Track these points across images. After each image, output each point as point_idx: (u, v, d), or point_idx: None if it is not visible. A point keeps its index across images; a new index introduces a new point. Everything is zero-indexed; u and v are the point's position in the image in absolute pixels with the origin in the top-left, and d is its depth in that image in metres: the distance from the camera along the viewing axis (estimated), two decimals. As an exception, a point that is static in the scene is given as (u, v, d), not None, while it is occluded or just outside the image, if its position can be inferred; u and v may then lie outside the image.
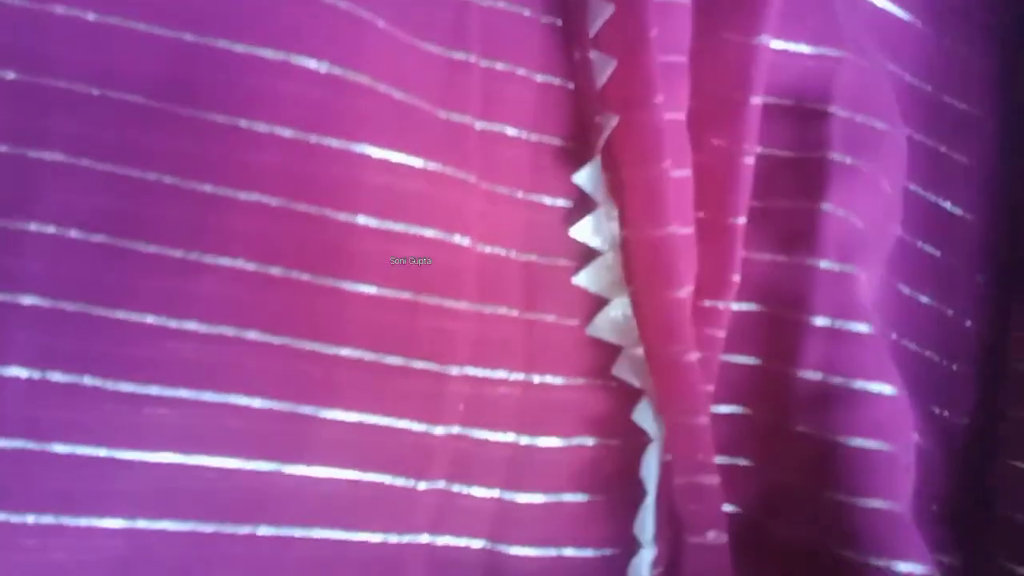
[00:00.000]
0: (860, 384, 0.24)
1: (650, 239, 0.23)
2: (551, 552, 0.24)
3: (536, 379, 0.24)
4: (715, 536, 0.23)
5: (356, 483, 0.22)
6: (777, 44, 0.25)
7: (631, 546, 0.24)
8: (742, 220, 0.24)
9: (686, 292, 0.23)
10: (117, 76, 0.20)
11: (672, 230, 0.23)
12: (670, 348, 0.23)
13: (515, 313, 0.24)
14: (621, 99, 0.23)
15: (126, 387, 0.20)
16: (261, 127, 0.21)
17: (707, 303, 0.24)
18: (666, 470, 0.24)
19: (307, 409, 0.21)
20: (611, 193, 0.24)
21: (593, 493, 0.24)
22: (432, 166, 0.22)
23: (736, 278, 0.24)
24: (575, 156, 0.24)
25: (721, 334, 0.24)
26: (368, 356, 0.21)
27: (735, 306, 0.25)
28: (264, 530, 0.21)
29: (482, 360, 0.23)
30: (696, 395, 0.23)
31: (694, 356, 0.23)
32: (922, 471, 0.26)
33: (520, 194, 0.24)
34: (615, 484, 0.24)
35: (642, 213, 0.23)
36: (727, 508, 0.25)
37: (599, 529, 0.24)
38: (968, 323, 0.29)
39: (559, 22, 0.24)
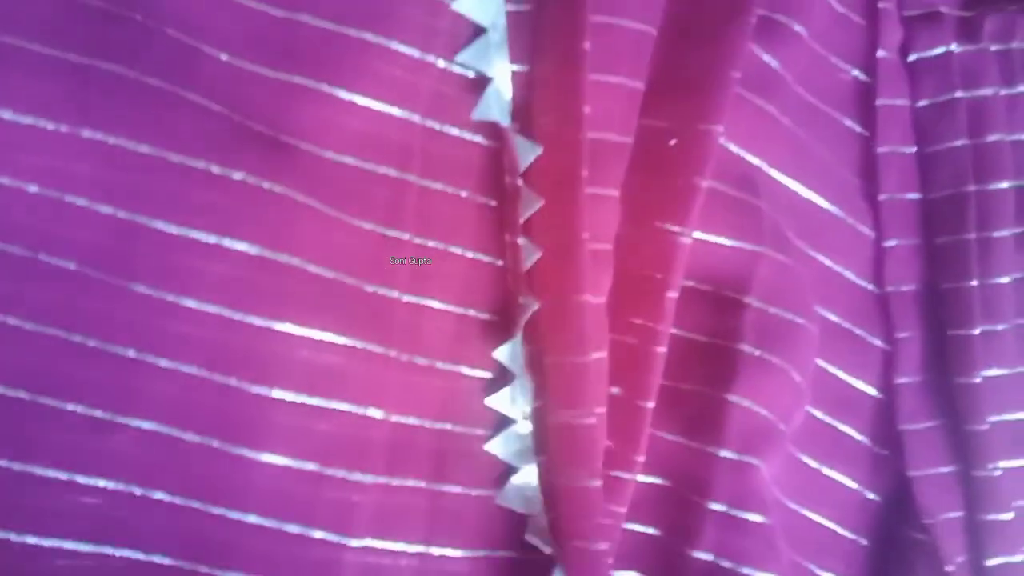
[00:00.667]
0: (747, 571, 0.25)
1: (568, 425, 0.24)
2: None
3: (435, 551, 0.24)
4: None
5: None
6: (699, 235, 0.26)
7: None
8: (651, 404, 0.25)
9: (598, 480, 0.24)
10: (51, 242, 0.21)
11: (588, 415, 0.24)
12: (576, 540, 0.24)
13: (422, 484, 0.24)
14: (546, 286, 0.24)
15: (30, 539, 0.21)
16: (189, 302, 0.21)
17: (613, 473, 0.25)
18: None
19: (205, 569, 0.22)
20: (529, 368, 0.25)
21: None
22: (353, 341, 0.23)
23: (641, 458, 0.25)
24: (499, 329, 0.25)
25: (622, 509, 0.25)
26: (269, 523, 0.22)
27: (641, 478, 0.26)
28: None
29: (382, 532, 0.24)
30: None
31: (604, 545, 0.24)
32: None
33: (440, 364, 0.24)
34: None
35: (563, 398, 0.24)
36: None
37: None
38: (870, 496, 0.30)
39: (493, 202, 0.25)
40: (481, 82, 0.24)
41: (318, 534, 0.22)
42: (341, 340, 0.23)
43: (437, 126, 0.24)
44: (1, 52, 0.20)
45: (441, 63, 0.24)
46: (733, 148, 0.27)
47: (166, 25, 0.22)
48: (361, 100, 0.23)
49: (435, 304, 0.24)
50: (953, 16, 0.32)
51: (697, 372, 0.26)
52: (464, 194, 0.25)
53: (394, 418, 0.24)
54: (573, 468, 0.24)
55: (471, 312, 0.25)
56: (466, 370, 0.25)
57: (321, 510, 0.23)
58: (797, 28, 0.28)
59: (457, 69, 0.24)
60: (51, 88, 0.20)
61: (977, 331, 0.30)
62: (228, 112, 0.22)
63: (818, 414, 0.30)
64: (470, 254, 0.25)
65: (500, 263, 0.25)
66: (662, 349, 0.25)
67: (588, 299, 0.24)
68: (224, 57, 0.22)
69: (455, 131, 0.24)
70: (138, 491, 0.21)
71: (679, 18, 0.26)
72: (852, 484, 0.30)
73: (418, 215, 0.24)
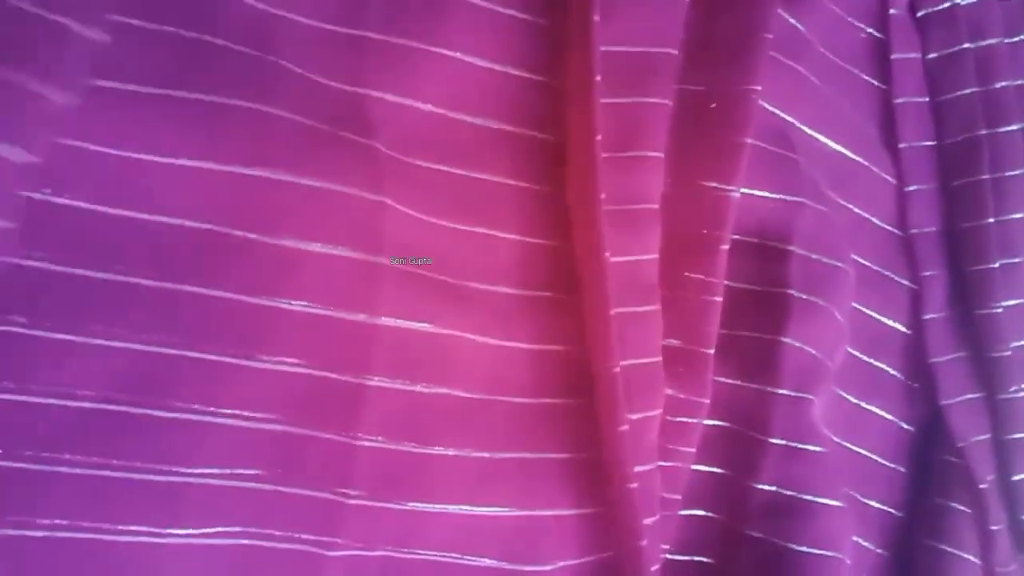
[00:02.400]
0: (810, 498, 0.27)
1: (603, 373, 0.25)
2: None
3: None
4: None
5: None
6: (745, 190, 0.28)
7: None
8: (711, 351, 0.27)
9: (631, 421, 0.25)
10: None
11: (621, 365, 0.24)
12: (616, 472, 0.25)
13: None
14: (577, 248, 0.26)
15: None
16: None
17: (679, 420, 0.27)
18: None
19: None
20: None
21: None
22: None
23: (706, 401, 0.27)
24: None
25: (690, 449, 0.27)
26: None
27: (705, 421, 0.27)
28: None
29: None
30: (636, 519, 0.24)
31: (635, 484, 0.24)
32: (858, 563, 0.29)
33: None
34: None
35: (592, 349, 0.25)
36: None
37: None
38: (905, 427, 0.33)
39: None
40: None
41: None
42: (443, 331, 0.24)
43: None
44: (121, 97, 0.21)
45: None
46: (769, 107, 0.29)
47: (239, 45, 0.22)
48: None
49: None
50: None
51: (750, 318, 0.28)
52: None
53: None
54: (601, 415, 0.25)
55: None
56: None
57: None
58: None
59: None
60: (187, 128, 0.21)
61: (996, 264, 0.32)
62: (308, 121, 0.23)
63: (855, 353, 0.31)
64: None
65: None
66: (718, 299, 0.27)
67: (607, 257, 0.24)
68: (297, 69, 0.23)
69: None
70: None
71: None
72: (889, 416, 0.32)
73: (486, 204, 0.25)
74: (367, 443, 0.23)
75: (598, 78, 0.24)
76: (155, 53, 0.21)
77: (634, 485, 0.24)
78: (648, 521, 0.25)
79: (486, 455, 0.25)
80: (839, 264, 0.29)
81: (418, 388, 0.24)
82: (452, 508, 0.24)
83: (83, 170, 0.20)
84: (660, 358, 0.26)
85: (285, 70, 0.23)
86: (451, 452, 0.24)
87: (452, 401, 0.24)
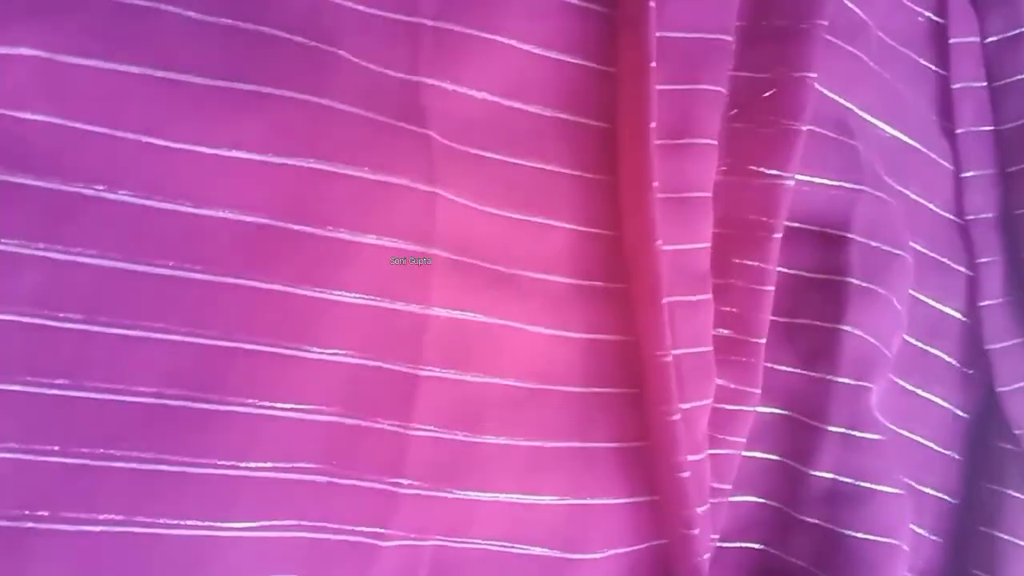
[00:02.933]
0: (868, 485, 0.27)
1: (654, 362, 0.25)
2: None
3: None
4: None
5: None
6: (804, 177, 0.27)
7: None
8: (763, 340, 0.26)
9: (683, 410, 0.24)
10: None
11: (673, 354, 0.24)
12: (667, 460, 0.25)
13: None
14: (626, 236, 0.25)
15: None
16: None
17: (730, 408, 0.27)
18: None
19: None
20: None
21: None
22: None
23: (757, 391, 0.27)
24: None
25: (740, 439, 0.27)
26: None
27: (762, 409, 0.28)
28: None
29: None
30: (688, 507, 0.25)
31: (687, 473, 0.24)
32: (913, 549, 0.29)
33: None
34: None
35: (643, 338, 0.25)
36: None
37: None
38: (961, 414, 0.32)
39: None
40: None
41: None
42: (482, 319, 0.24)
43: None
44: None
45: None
46: (828, 93, 0.28)
47: (296, 35, 0.22)
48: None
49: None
50: None
51: (810, 306, 0.28)
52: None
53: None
54: (652, 403, 0.25)
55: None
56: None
57: None
58: None
59: None
60: (242, 120, 0.21)
61: None
62: (365, 112, 0.23)
63: (912, 340, 0.31)
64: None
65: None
66: (771, 288, 0.26)
67: (659, 245, 0.24)
68: (353, 58, 0.23)
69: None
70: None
71: None
72: (944, 404, 0.32)
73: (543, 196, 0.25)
74: (419, 433, 0.23)
75: (653, 64, 0.24)
76: (212, 45, 0.21)
77: (685, 474, 0.24)
78: (699, 510, 0.25)
79: (537, 444, 0.25)
80: (898, 252, 0.29)
81: (469, 377, 0.24)
82: (503, 497, 0.24)
83: (136, 164, 0.20)
84: (711, 347, 0.26)
85: (342, 60, 0.23)
86: (502, 441, 0.24)
87: (504, 390, 0.24)
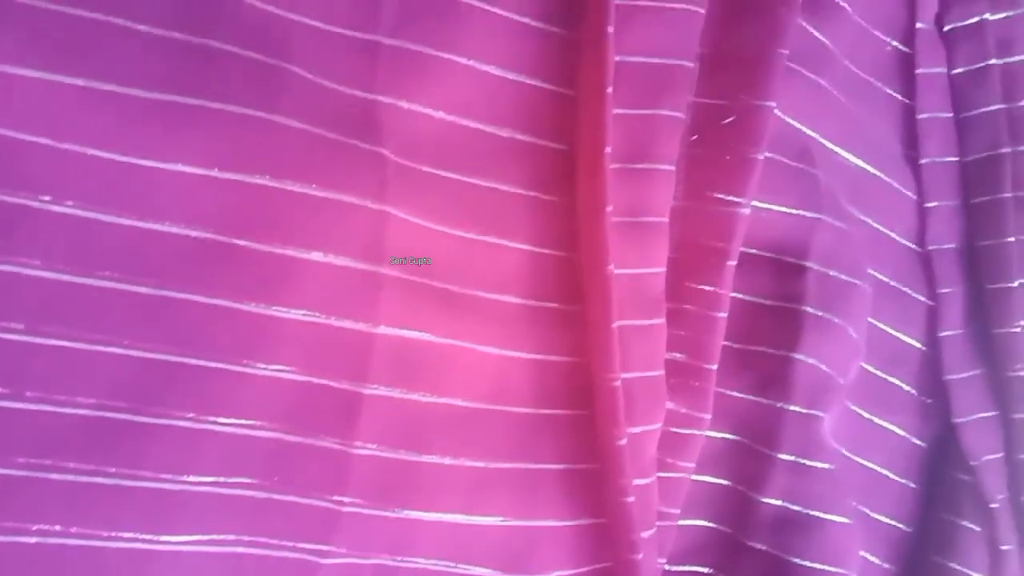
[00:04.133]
0: (816, 513, 0.27)
1: (603, 385, 0.24)
2: None
3: None
4: None
5: None
6: (762, 204, 0.27)
7: None
8: (714, 366, 0.26)
9: (631, 434, 0.24)
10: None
11: (622, 378, 0.24)
12: (613, 484, 0.24)
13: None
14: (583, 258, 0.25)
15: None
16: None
17: (681, 432, 0.26)
18: None
19: None
20: None
21: None
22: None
23: (708, 416, 0.26)
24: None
25: (690, 463, 0.27)
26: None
27: (713, 434, 0.27)
28: None
29: None
30: (633, 531, 0.24)
31: (632, 498, 0.24)
32: None
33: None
34: None
35: (595, 359, 0.25)
36: None
37: None
38: (918, 442, 0.32)
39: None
40: None
41: None
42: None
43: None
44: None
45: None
46: (790, 121, 0.28)
47: (247, 50, 0.22)
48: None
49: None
50: None
51: (764, 334, 0.28)
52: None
53: None
54: (600, 426, 0.25)
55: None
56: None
57: None
58: (842, 3, 0.30)
59: None
60: (189, 135, 0.21)
61: (1015, 284, 0.31)
62: (315, 129, 0.22)
63: (870, 368, 0.31)
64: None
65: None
66: (723, 314, 0.26)
67: (611, 269, 0.24)
68: (307, 75, 0.23)
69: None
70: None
71: None
72: (901, 432, 0.32)
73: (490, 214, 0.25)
74: (362, 451, 0.23)
75: (609, 90, 0.24)
76: (160, 59, 0.21)
77: (631, 499, 0.24)
78: (645, 535, 0.25)
79: (482, 464, 0.25)
80: (856, 281, 0.29)
81: (416, 396, 0.24)
82: (447, 517, 0.24)
83: (82, 176, 0.20)
84: (663, 372, 0.26)
85: (294, 76, 0.22)
86: (447, 461, 0.24)
87: (451, 410, 0.24)
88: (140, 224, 0.21)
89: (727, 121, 0.27)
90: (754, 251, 0.28)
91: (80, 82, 0.20)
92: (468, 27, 0.25)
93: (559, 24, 0.26)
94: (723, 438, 0.28)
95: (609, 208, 0.24)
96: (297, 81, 0.22)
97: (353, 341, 0.23)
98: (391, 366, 0.23)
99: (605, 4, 0.24)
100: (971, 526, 0.31)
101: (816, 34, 0.29)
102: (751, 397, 0.28)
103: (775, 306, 0.28)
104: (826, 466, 0.27)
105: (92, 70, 0.20)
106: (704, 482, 0.28)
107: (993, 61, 0.32)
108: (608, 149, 0.24)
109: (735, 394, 0.28)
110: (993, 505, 0.31)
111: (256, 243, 0.22)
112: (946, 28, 0.33)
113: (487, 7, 0.25)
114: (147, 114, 0.21)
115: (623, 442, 0.24)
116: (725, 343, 0.27)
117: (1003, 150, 0.32)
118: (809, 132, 0.29)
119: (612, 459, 0.24)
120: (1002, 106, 0.32)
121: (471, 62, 0.25)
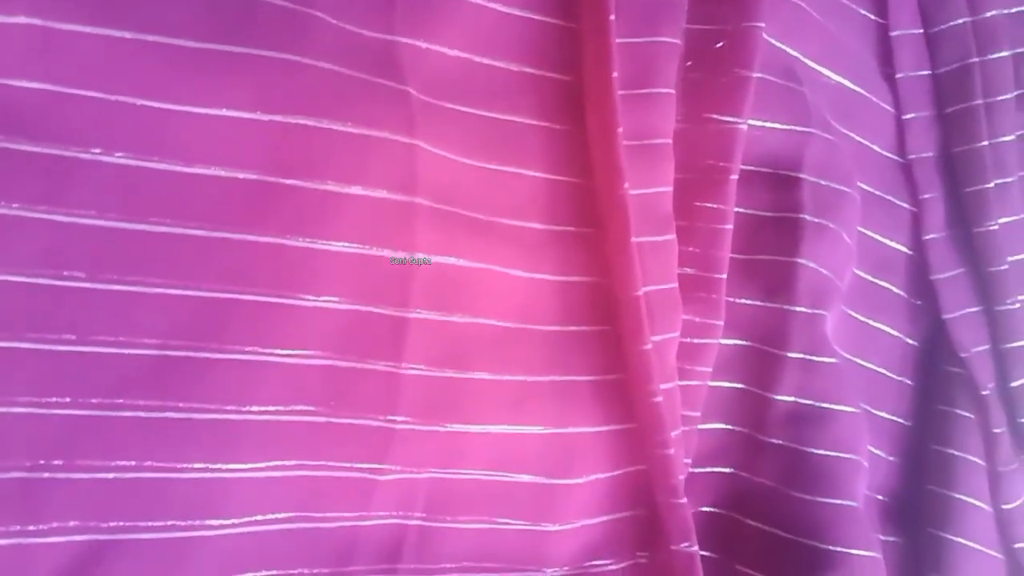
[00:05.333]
0: (827, 406, 0.29)
1: (626, 298, 0.26)
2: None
3: None
4: (687, 546, 0.26)
5: None
6: (756, 122, 0.29)
7: None
8: (724, 275, 0.28)
9: (654, 342, 0.26)
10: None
11: (643, 291, 0.26)
12: (642, 388, 0.26)
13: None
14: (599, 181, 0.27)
15: None
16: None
17: (696, 341, 0.28)
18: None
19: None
20: None
21: None
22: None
23: (720, 323, 0.28)
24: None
25: (707, 368, 0.28)
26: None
27: (726, 341, 0.29)
28: None
29: None
30: (663, 431, 0.26)
31: (660, 399, 0.26)
32: (871, 469, 0.31)
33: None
34: None
35: (619, 278, 0.26)
36: (710, 509, 0.29)
37: None
38: (910, 342, 0.34)
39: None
40: None
41: None
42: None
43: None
44: (169, 53, 0.21)
45: None
46: (775, 42, 0.30)
47: None
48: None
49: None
50: None
51: (767, 242, 0.29)
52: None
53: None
54: (626, 337, 0.26)
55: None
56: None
57: None
58: None
59: None
60: (228, 81, 0.22)
61: (991, 185, 0.33)
62: (345, 70, 0.23)
63: (861, 273, 0.33)
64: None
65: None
66: (729, 227, 0.28)
67: (627, 189, 0.26)
68: (331, 19, 0.24)
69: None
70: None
71: None
72: (895, 332, 0.34)
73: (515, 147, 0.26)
74: (410, 372, 0.24)
75: (612, 18, 0.25)
76: (199, 9, 0.22)
77: (659, 399, 0.26)
78: (673, 434, 0.26)
79: (520, 378, 0.26)
80: (847, 189, 0.30)
81: (455, 318, 0.25)
82: (492, 428, 0.25)
83: (131, 127, 0.21)
84: (676, 283, 0.27)
85: (321, 21, 0.23)
86: (488, 376, 0.25)
87: (487, 330, 0.26)
88: (189, 170, 0.22)
89: (719, 45, 0.28)
90: (751, 167, 0.29)
91: (126, 34, 0.21)
92: None
93: None
94: (735, 344, 0.29)
95: (620, 130, 0.25)
96: (323, 26, 0.23)
97: (394, 269, 0.24)
98: (430, 290, 0.25)
99: None
100: (965, 414, 0.33)
101: None
102: (759, 303, 0.29)
103: (775, 216, 0.30)
104: (832, 361, 0.29)
105: (136, 22, 0.21)
106: (720, 387, 0.29)
107: None
108: (615, 75, 0.25)
109: (744, 301, 0.29)
110: (984, 392, 0.33)
111: (299, 180, 0.23)
112: None
113: None
114: (190, 62, 0.22)
115: (648, 347, 0.25)
116: (731, 255, 0.28)
117: (971, 60, 0.34)
118: (792, 52, 0.30)
119: (639, 366, 0.26)
120: (968, 19, 0.34)
121: (480, 1, 0.26)
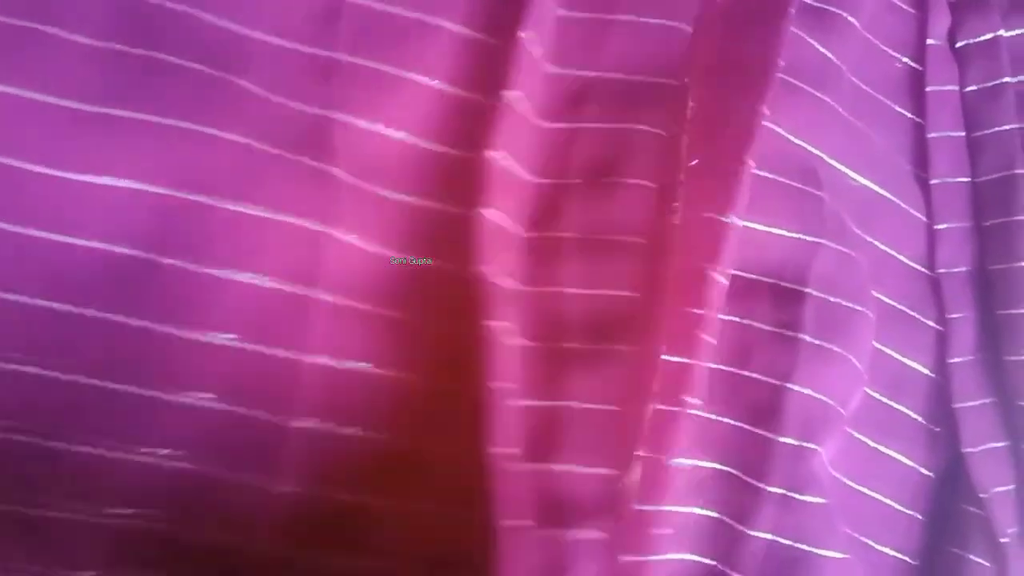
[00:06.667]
0: (806, 548, 0.26)
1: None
2: None
3: None
4: None
5: None
6: (760, 226, 0.26)
7: None
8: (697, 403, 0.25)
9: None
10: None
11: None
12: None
13: None
14: None
15: None
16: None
17: (673, 463, 0.25)
18: None
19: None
20: None
21: None
22: None
23: (682, 448, 0.25)
24: None
25: (663, 504, 0.25)
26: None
27: (702, 463, 0.26)
28: None
29: None
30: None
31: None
32: None
33: None
34: None
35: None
36: None
37: None
38: (925, 472, 0.31)
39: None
40: None
41: None
42: None
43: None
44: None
45: None
46: (794, 139, 0.27)
47: (194, 63, 0.21)
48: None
49: None
50: (1001, 1, 0.32)
51: (759, 360, 0.26)
52: None
53: None
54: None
55: None
56: None
57: None
58: (850, 19, 0.29)
59: None
60: (119, 147, 0.21)
61: None
62: (259, 145, 0.22)
63: (875, 394, 0.30)
64: None
65: None
66: (711, 339, 0.25)
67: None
68: (259, 91, 0.22)
69: None
70: None
71: (723, 12, 0.27)
72: (908, 461, 0.30)
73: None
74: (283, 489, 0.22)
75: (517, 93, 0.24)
76: (94, 70, 0.21)
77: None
78: None
79: None
80: (859, 308, 0.27)
81: (348, 431, 0.23)
82: None
83: (8, 190, 0.20)
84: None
85: (242, 91, 0.22)
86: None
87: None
88: (67, 239, 0.20)
89: (720, 132, 0.26)
90: (753, 276, 0.27)
91: (10, 90, 0.20)
92: (425, 44, 0.24)
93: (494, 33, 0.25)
94: (712, 467, 0.27)
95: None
96: (245, 96, 0.22)
97: (280, 370, 0.22)
98: (319, 393, 0.22)
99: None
100: (980, 561, 0.30)
101: (821, 49, 0.28)
102: (743, 425, 0.27)
103: (771, 332, 0.27)
104: (819, 500, 0.26)
105: (23, 79, 0.20)
106: (692, 514, 0.27)
107: (1008, 79, 0.31)
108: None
109: (727, 421, 0.27)
110: (1003, 539, 0.29)
111: (178, 260, 0.21)
112: (958, 45, 0.31)
113: (441, 23, 0.24)
114: (80, 126, 0.20)
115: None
116: (720, 367, 0.26)
117: (1018, 170, 0.31)
118: (814, 151, 0.28)
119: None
120: (1017, 125, 0.31)
121: (431, 80, 0.24)
